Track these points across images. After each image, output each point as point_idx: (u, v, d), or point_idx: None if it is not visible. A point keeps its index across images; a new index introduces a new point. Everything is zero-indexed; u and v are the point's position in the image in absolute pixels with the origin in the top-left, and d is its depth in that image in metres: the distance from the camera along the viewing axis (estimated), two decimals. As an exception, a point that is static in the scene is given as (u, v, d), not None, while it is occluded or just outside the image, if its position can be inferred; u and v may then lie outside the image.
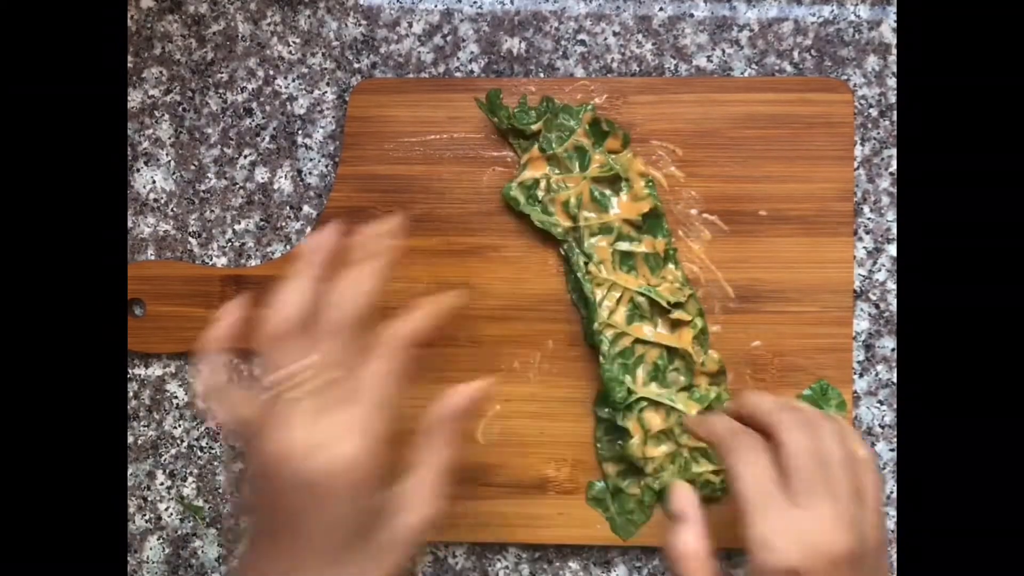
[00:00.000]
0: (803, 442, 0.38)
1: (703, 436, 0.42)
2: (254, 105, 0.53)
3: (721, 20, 0.52)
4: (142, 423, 0.53)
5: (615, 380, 0.49)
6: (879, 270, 0.52)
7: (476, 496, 0.51)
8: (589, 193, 0.50)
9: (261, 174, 0.53)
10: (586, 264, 0.49)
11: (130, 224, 0.54)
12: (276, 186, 0.53)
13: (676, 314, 0.49)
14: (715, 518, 0.41)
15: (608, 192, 0.50)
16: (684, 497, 0.41)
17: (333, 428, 0.36)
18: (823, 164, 0.50)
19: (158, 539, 0.54)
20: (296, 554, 0.36)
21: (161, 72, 0.54)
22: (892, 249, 0.52)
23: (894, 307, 0.52)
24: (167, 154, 0.54)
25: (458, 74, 0.53)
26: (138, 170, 0.54)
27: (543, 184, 0.50)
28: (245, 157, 0.53)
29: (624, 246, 0.50)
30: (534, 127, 0.50)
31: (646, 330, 0.50)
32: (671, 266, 0.50)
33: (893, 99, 0.52)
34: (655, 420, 0.49)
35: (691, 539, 0.40)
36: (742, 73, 0.52)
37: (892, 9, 0.52)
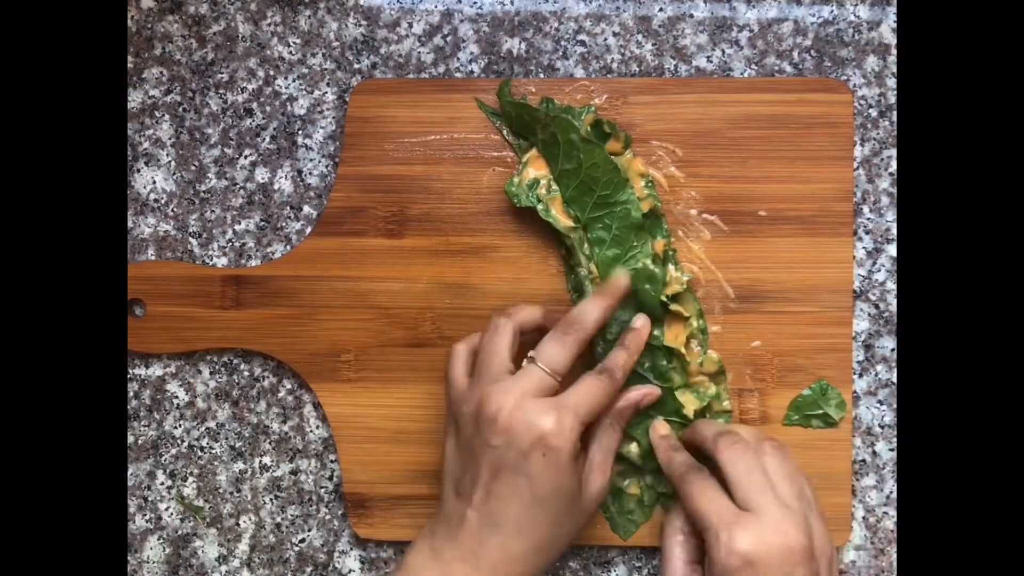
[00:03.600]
0: (739, 460, 0.43)
1: (665, 469, 0.47)
2: (254, 105, 0.53)
3: (721, 20, 0.52)
4: (142, 423, 0.53)
5: None
6: (879, 270, 0.52)
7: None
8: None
9: (261, 174, 0.53)
10: (588, 262, 0.49)
11: (130, 224, 0.54)
12: (276, 186, 0.53)
13: (673, 307, 0.49)
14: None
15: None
16: (662, 428, 0.49)
17: (550, 408, 0.43)
18: (823, 164, 0.50)
19: (158, 539, 0.54)
20: (515, 490, 0.42)
21: (161, 72, 0.54)
22: (892, 249, 0.52)
23: (894, 307, 0.52)
24: (167, 154, 0.54)
25: (458, 74, 0.53)
26: (138, 170, 0.54)
27: (543, 184, 0.50)
28: (245, 157, 0.53)
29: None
30: (543, 116, 0.50)
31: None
32: (671, 267, 0.50)
33: (893, 99, 0.52)
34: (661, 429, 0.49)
35: (662, 427, 0.48)
36: (742, 73, 0.52)
37: (892, 9, 0.52)
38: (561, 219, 0.49)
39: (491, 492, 0.42)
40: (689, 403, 0.49)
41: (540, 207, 0.50)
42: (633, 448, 0.49)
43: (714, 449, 0.45)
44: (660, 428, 0.49)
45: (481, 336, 0.47)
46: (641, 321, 0.48)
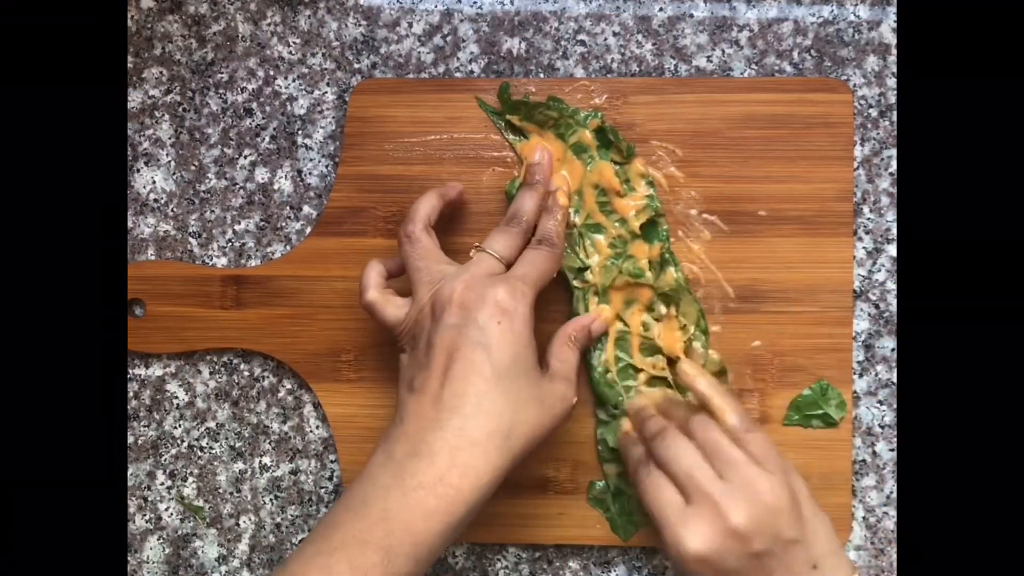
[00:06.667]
0: (675, 460, 0.43)
1: (621, 452, 0.49)
2: (254, 105, 0.53)
3: (721, 20, 0.52)
4: (142, 423, 0.53)
5: (605, 386, 0.49)
6: (879, 270, 0.52)
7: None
8: (593, 198, 0.50)
9: (261, 174, 0.53)
10: (581, 272, 0.49)
11: (130, 224, 0.54)
12: (276, 186, 0.53)
13: (667, 307, 0.49)
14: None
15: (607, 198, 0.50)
16: (625, 424, 0.49)
17: (501, 282, 0.44)
18: (823, 164, 0.50)
19: (158, 539, 0.54)
20: (473, 365, 0.42)
21: (161, 72, 0.54)
22: (892, 249, 0.52)
23: (894, 307, 0.52)
24: (167, 154, 0.54)
25: (458, 74, 0.53)
26: (138, 170, 0.54)
27: None
28: (245, 157, 0.53)
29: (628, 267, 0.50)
30: (548, 114, 0.50)
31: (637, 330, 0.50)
32: (671, 268, 0.50)
33: (893, 99, 0.52)
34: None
35: (626, 423, 0.49)
36: (742, 73, 0.52)
37: (892, 9, 0.52)
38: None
39: (448, 374, 0.42)
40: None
41: None
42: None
43: (652, 450, 0.45)
44: (624, 425, 0.49)
45: (394, 260, 0.47)
46: (539, 154, 0.49)
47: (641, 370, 0.49)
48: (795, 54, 0.52)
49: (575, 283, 0.49)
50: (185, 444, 0.53)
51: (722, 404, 0.44)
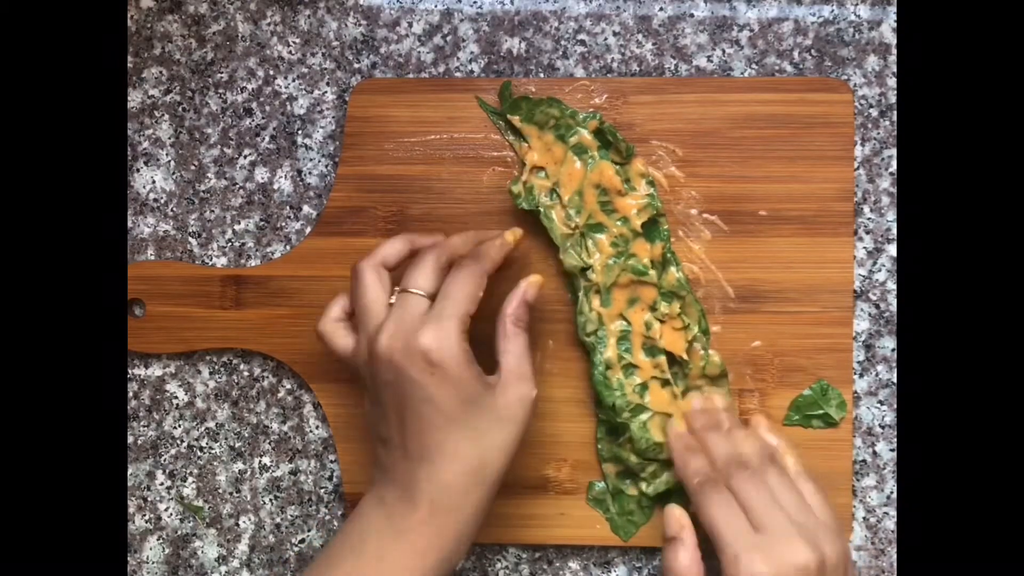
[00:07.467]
0: (747, 485, 0.44)
1: (679, 472, 0.47)
2: (254, 105, 0.53)
3: (721, 20, 0.52)
4: (142, 423, 0.53)
5: (603, 385, 0.49)
6: (879, 270, 0.52)
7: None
8: (594, 198, 0.49)
9: (261, 174, 0.53)
10: (584, 271, 0.49)
11: (130, 224, 0.54)
12: (276, 186, 0.53)
13: (668, 307, 0.49)
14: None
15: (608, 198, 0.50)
16: (676, 520, 0.45)
17: (424, 326, 0.42)
18: (823, 164, 0.50)
19: (158, 539, 0.54)
20: (423, 417, 0.42)
21: (161, 72, 0.54)
22: (892, 249, 0.52)
23: (894, 307, 0.52)
24: (167, 154, 0.54)
25: (458, 74, 0.53)
26: (138, 170, 0.54)
27: (544, 189, 0.50)
28: (245, 157, 0.53)
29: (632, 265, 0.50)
30: (549, 112, 0.50)
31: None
32: (672, 269, 0.50)
33: (893, 99, 0.52)
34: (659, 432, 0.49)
35: (685, 559, 0.44)
36: (742, 73, 0.52)
37: (892, 9, 0.52)
38: (560, 227, 0.49)
39: (405, 427, 0.42)
40: (678, 407, 0.49)
41: (541, 212, 0.49)
42: (633, 457, 0.50)
43: (725, 475, 0.45)
44: (678, 426, 0.49)
45: (349, 293, 0.46)
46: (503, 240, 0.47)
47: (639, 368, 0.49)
48: (795, 54, 0.52)
49: (582, 282, 0.49)
50: (185, 444, 0.53)
51: (796, 465, 0.46)
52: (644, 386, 0.49)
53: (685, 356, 0.49)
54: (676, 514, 0.45)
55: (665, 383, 0.49)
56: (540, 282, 0.46)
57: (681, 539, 0.44)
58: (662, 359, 0.49)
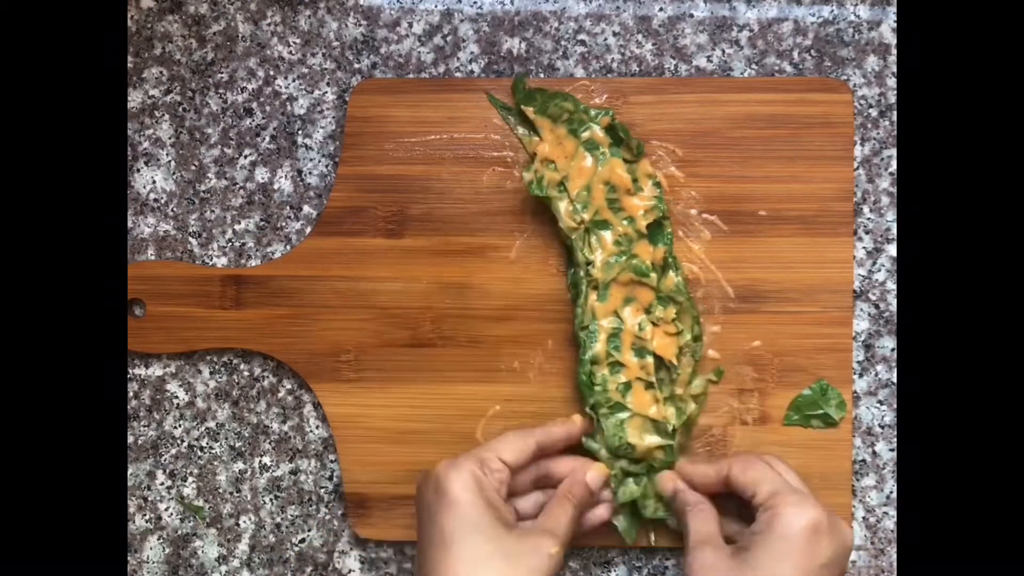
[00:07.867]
0: (748, 465, 0.46)
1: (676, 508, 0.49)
2: (254, 105, 0.53)
3: (721, 20, 0.52)
4: (142, 423, 0.53)
5: (585, 385, 0.49)
6: (879, 270, 0.52)
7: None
8: (603, 194, 0.49)
9: (261, 174, 0.53)
10: (588, 265, 0.49)
11: (130, 224, 0.54)
12: (276, 186, 0.53)
13: (663, 311, 0.49)
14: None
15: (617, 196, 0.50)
16: (669, 478, 0.49)
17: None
18: (823, 164, 0.50)
19: (158, 539, 0.54)
20: (426, 538, 0.44)
21: (161, 72, 0.54)
22: (892, 249, 0.52)
23: (894, 307, 0.52)
24: (167, 154, 0.54)
25: (458, 74, 0.53)
26: (138, 170, 0.54)
27: (554, 182, 0.50)
28: (245, 157, 0.53)
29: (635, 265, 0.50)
30: (563, 106, 0.50)
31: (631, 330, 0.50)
32: (672, 273, 0.50)
33: (893, 99, 0.52)
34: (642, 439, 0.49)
35: (669, 480, 0.49)
36: (742, 73, 0.52)
37: (892, 9, 0.52)
38: (567, 220, 0.49)
39: (418, 548, 0.45)
40: (669, 418, 0.49)
41: (551, 200, 0.49)
42: (604, 451, 0.49)
43: (727, 467, 0.47)
44: (667, 480, 0.49)
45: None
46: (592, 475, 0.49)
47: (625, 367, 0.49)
48: (795, 54, 0.52)
49: (583, 275, 0.49)
50: (185, 444, 0.53)
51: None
52: (628, 385, 0.49)
53: (675, 361, 0.49)
54: (666, 477, 0.49)
55: (649, 386, 0.49)
56: (606, 475, 0.48)
57: (686, 500, 0.48)
58: (649, 361, 0.49)
